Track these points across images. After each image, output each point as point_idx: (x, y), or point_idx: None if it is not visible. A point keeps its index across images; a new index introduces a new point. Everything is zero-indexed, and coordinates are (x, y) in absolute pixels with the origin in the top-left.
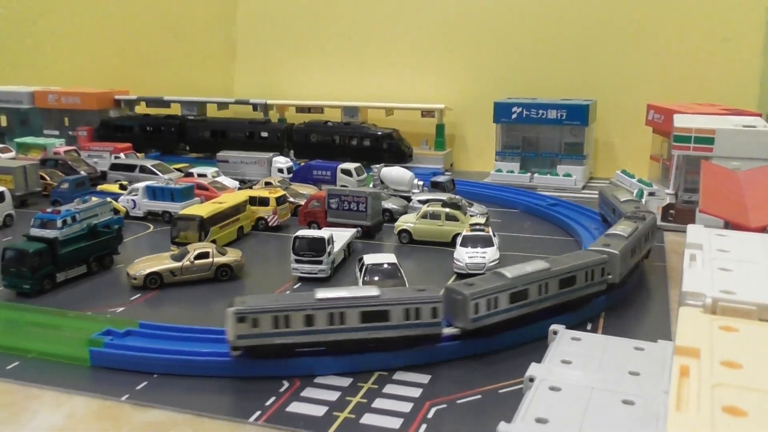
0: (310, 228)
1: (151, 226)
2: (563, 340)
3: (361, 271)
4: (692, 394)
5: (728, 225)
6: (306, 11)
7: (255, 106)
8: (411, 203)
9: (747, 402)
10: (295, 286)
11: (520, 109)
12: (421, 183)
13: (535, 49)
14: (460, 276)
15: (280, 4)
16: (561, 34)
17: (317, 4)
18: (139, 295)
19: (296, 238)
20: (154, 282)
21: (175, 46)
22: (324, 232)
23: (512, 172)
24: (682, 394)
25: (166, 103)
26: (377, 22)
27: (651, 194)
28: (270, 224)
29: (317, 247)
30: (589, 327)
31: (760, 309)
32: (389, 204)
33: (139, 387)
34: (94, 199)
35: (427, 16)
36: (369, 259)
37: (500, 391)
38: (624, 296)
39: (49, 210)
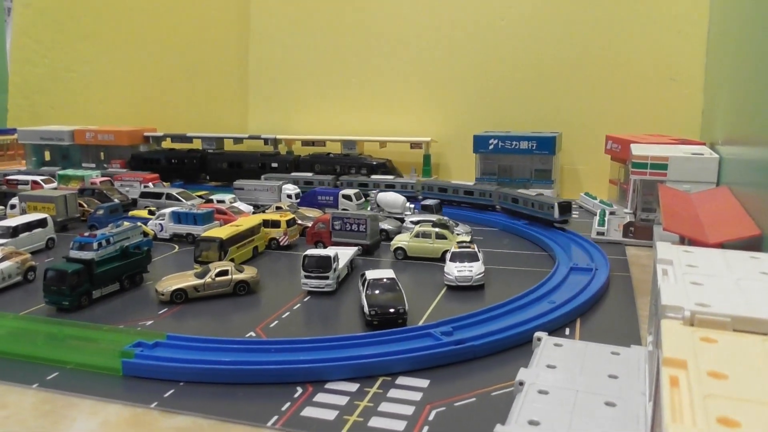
0: (317, 247)
1: (177, 247)
2: (547, 345)
3: (363, 285)
4: (685, 405)
5: (684, 240)
6: (310, 58)
7: (266, 141)
8: (404, 224)
9: (738, 412)
10: (304, 299)
11: (496, 140)
12: (412, 206)
13: (509, 89)
14: (450, 288)
15: (287, 52)
16: (531, 76)
17: (319, 52)
18: (166, 309)
19: (305, 256)
20: (180, 297)
21: (196, 89)
22: (329, 251)
23: None
24: (675, 405)
25: (189, 139)
26: (372, 67)
27: (612, 213)
28: (281, 244)
29: (324, 264)
30: (567, 332)
31: (734, 320)
32: (385, 225)
33: (167, 395)
34: (126, 223)
35: (415, 62)
36: (370, 274)
37: (493, 393)
38: (595, 304)
39: (86, 234)
